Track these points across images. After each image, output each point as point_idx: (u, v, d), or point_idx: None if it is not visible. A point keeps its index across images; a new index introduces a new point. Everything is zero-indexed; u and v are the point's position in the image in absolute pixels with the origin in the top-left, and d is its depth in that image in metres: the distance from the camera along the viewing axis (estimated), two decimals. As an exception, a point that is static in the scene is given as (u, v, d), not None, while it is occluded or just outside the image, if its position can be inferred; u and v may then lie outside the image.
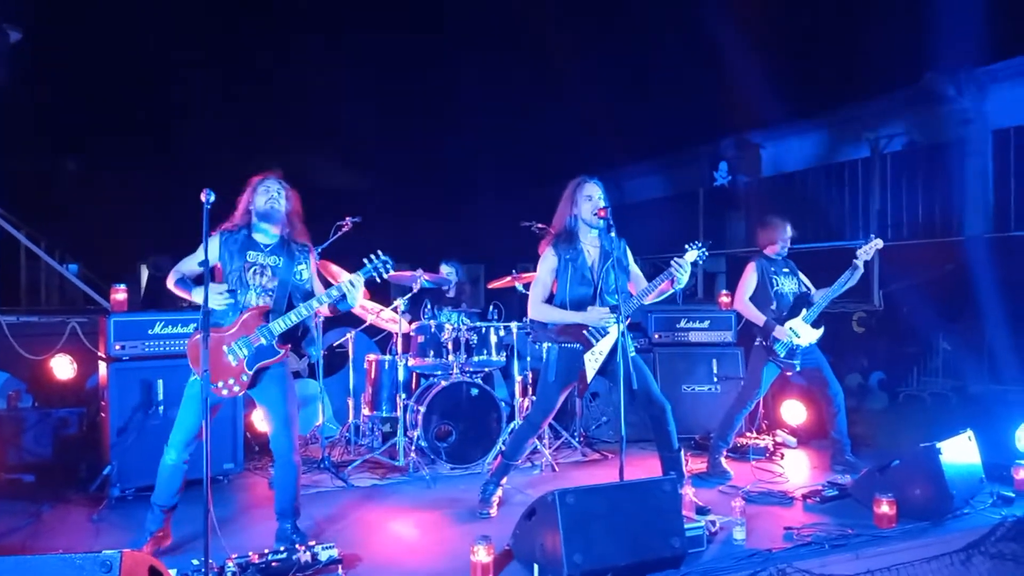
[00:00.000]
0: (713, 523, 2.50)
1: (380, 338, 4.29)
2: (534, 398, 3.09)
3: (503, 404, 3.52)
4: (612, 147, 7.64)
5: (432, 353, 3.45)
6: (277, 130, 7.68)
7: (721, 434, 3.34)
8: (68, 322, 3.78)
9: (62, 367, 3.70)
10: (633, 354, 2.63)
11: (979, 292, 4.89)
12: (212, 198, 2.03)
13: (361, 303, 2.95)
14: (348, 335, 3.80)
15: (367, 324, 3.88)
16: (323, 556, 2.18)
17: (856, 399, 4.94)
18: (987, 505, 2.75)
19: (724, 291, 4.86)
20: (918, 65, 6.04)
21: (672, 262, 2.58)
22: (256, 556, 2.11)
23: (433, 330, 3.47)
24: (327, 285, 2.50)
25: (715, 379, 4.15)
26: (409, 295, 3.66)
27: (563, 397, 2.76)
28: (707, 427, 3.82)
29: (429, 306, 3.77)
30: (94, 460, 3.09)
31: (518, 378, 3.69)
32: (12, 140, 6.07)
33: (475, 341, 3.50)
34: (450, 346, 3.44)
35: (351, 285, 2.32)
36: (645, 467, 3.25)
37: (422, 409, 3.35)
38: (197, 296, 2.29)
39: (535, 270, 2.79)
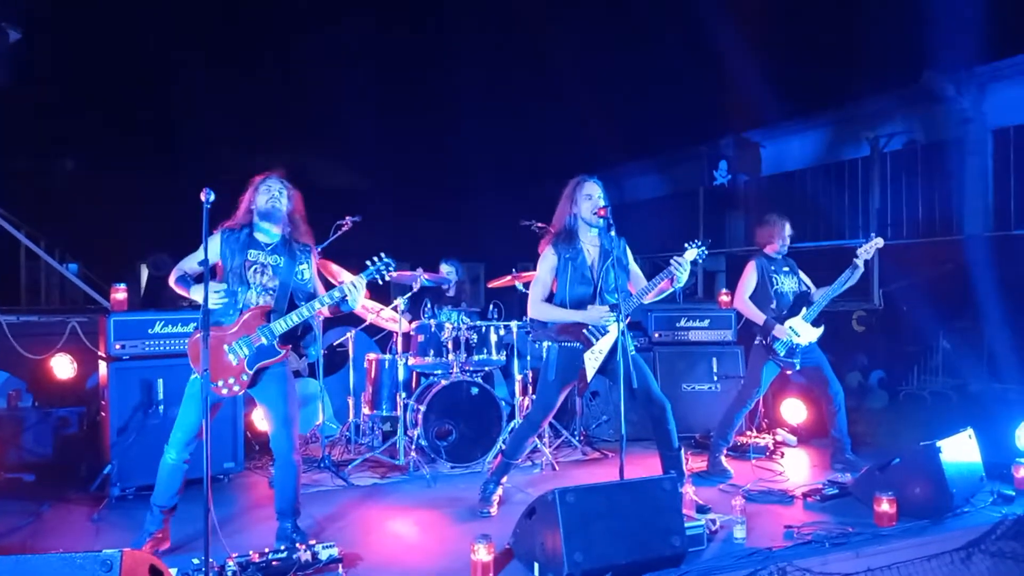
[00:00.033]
0: (713, 522, 2.50)
1: (380, 337, 4.30)
2: (534, 397, 3.09)
3: (503, 403, 3.52)
4: (612, 146, 7.64)
5: (432, 352, 3.45)
6: (277, 129, 7.68)
7: (721, 433, 3.34)
8: (68, 322, 3.78)
9: (62, 366, 3.70)
10: (633, 353, 2.63)
11: (979, 291, 4.89)
12: (212, 197, 2.03)
13: (361, 303, 2.95)
14: (348, 334, 3.80)
15: (367, 323, 3.88)
16: (323, 555, 2.18)
17: (856, 398, 4.93)
18: (987, 503, 2.75)
19: (724, 290, 4.86)
20: (918, 64, 6.05)
21: (672, 261, 2.58)
22: (256, 555, 2.11)
23: (433, 329, 3.47)
24: (326, 284, 2.50)
25: (715, 378, 4.15)
26: (409, 294, 3.66)
27: (563, 396, 2.76)
28: (707, 426, 3.82)
29: (429, 305, 3.77)
30: (94, 459, 3.10)
31: (518, 377, 3.69)
32: (12, 139, 6.08)
33: (475, 340, 3.50)
34: (450, 345, 3.44)
35: (353, 287, 2.32)
36: (645, 466, 3.25)
37: (422, 408, 3.35)
38: (195, 294, 2.29)
39: (535, 269, 2.79)
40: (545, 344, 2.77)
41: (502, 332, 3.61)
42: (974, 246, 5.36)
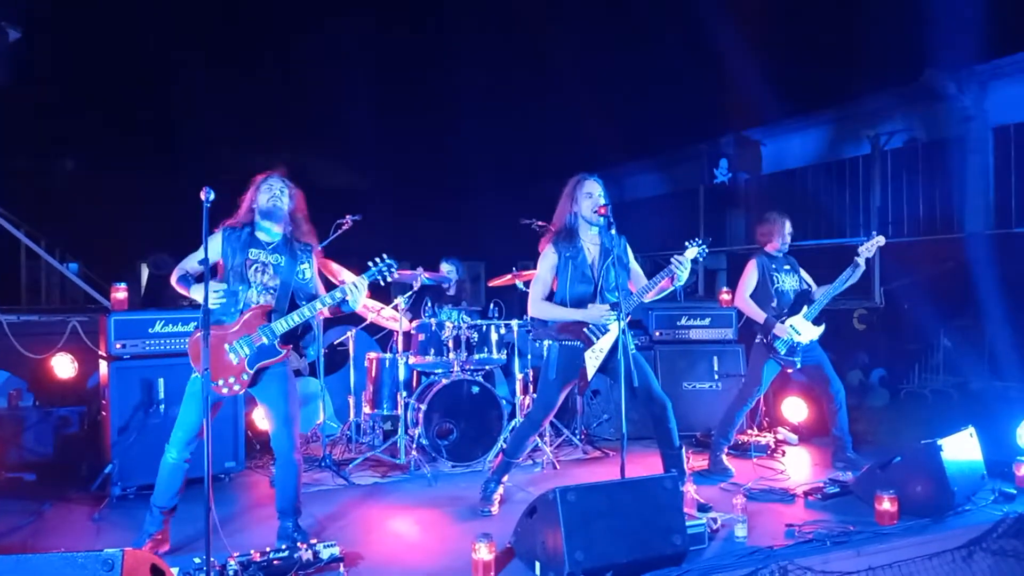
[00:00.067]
0: (714, 520, 2.49)
1: (381, 336, 4.30)
2: (535, 396, 3.09)
3: (504, 402, 3.52)
4: (612, 145, 7.62)
5: (433, 351, 3.45)
6: (277, 129, 7.68)
7: (722, 431, 3.34)
8: (69, 321, 3.78)
9: (63, 366, 3.70)
10: (634, 351, 2.63)
11: (980, 289, 4.89)
12: (212, 196, 2.03)
13: (362, 302, 2.95)
14: (349, 333, 3.80)
15: (368, 322, 3.88)
16: (324, 554, 2.18)
17: (857, 396, 4.93)
18: (988, 502, 2.74)
19: (725, 288, 4.85)
20: (918, 62, 6.03)
21: (672, 259, 2.58)
22: (258, 554, 2.11)
23: (434, 328, 3.47)
24: (327, 283, 2.50)
25: (716, 376, 4.15)
26: (410, 293, 3.66)
27: (564, 395, 2.76)
28: (708, 424, 3.81)
29: (430, 304, 3.77)
30: (95, 459, 3.10)
31: (519, 376, 3.69)
32: (12, 139, 6.08)
33: (476, 339, 3.50)
34: (451, 344, 3.44)
35: (354, 287, 2.32)
36: (646, 465, 3.25)
37: (423, 407, 3.35)
38: (196, 293, 2.29)
39: (535, 268, 2.79)
40: (546, 343, 2.76)
41: (503, 331, 3.61)
42: (975, 244, 5.35)
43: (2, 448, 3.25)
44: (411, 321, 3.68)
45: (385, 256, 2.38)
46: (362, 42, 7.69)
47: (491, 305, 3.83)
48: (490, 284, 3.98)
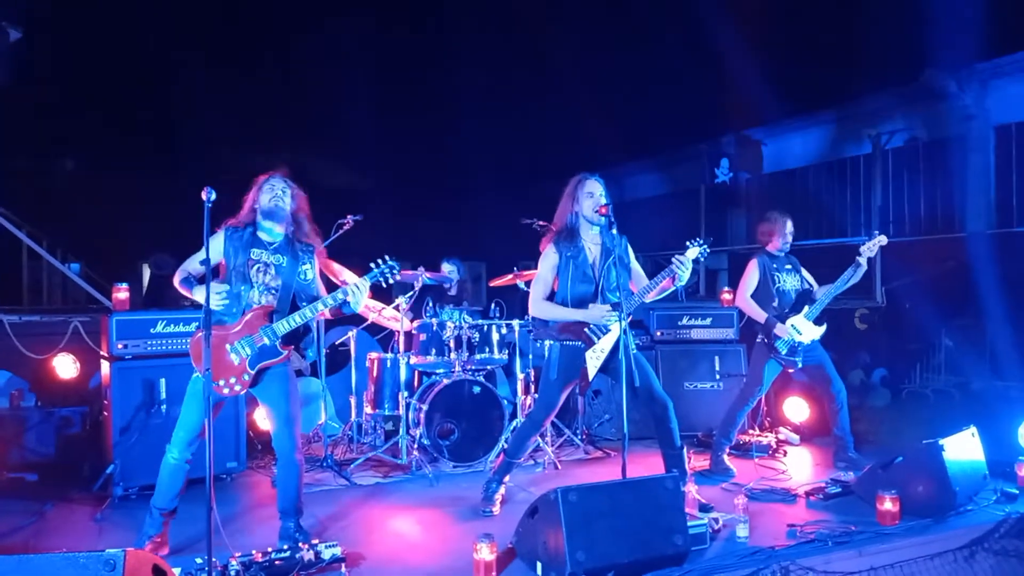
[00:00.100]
0: (716, 520, 2.49)
1: (382, 336, 4.30)
2: (536, 396, 3.09)
3: (505, 402, 3.52)
4: (612, 145, 7.62)
5: (434, 351, 3.45)
6: (277, 129, 7.68)
7: (724, 431, 3.33)
8: (70, 321, 3.78)
9: (65, 366, 3.70)
10: (635, 351, 2.62)
11: (981, 288, 4.88)
12: (213, 196, 2.03)
13: (364, 303, 2.95)
14: (350, 333, 3.80)
15: (369, 322, 3.88)
16: (326, 554, 2.18)
17: (859, 396, 4.93)
18: (990, 502, 2.74)
19: (726, 288, 4.85)
20: (919, 61, 6.03)
21: (673, 259, 2.58)
22: (259, 554, 2.11)
23: (435, 328, 3.47)
24: (328, 283, 2.50)
25: (717, 376, 4.15)
26: (411, 293, 3.66)
27: (565, 395, 2.76)
28: (709, 424, 3.81)
29: (431, 304, 3.77)
30: (97, 459, 3.10)
31: (520, 376, 3.69)
32: (13, 139, 6.08)
33: (477, 339, 3.50)
34: (452, 344, 3.44)
35: (356, 289, 2.32)
36: (647, 465, 3.24)
37: (424, 407, 3.35)
38: (198, 295, 2.29)
39: (536, 268, 2.79)
40: (547, 343, 2.76)
41: (504, 331, 3.61)
42: (976, 243, 5.35)
43: (4, 448, 3.25)
44: (412, 321, 3.68)
45: (388, 258, 2.38)
46: (362, 42, 7.69)
47: (492, 305, 3.83)
48: (491, 284, 3.98)
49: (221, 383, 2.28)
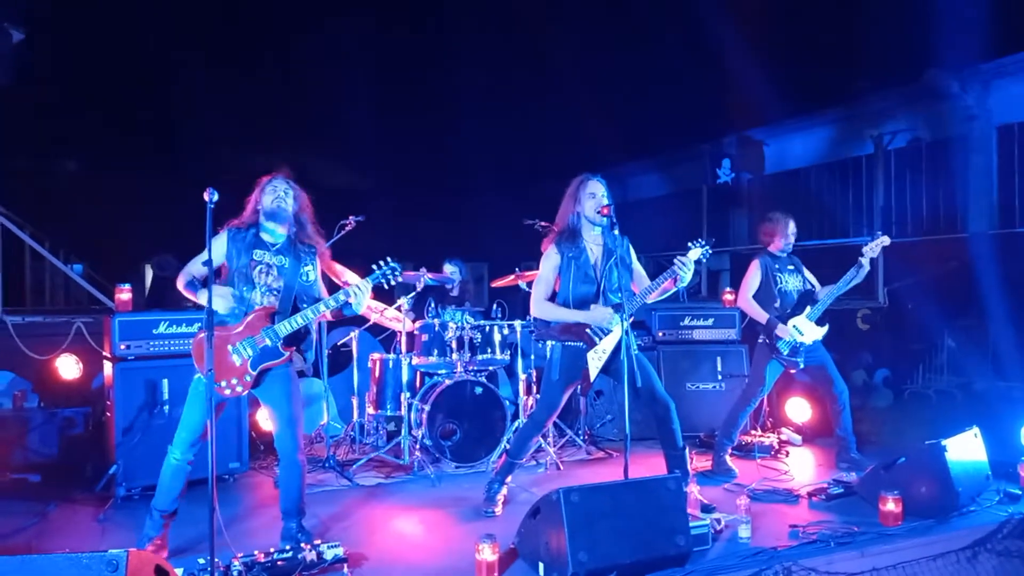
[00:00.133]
0: (718, 521, 2.49)
1: (384, 337, 4.30)
2: (538, 396, 3.09)
3: (507, 403, 3.52)
4: (613, 145, 7.61)
5: (436, 352, 3.45)
6: (277, 129, 7.68)
7: (726, 432, 3.33)
8: (73, 322, 3.79)
9: (67, 367, 3.71)
10: (637, 352, 2.62)
11: (984, 289, 4.87)
12: (216, 197, 2.03)
13: (366, 303, 2.95)
14: (352, 334, 3.80)
15: (371, 323, 3.88)
16: (328, 555, 2.18)
17: (861, 396, 4.92)
18: (993, 502, 2.74)
19: (728, 289, 4.85)
20: (921, 61, 6.01)
21: (675, 260, 2.58)
22: (262, 555, 2.11)
23: (437, 329, 3.47)
24: (330, 284, 2.50)
25: (719, 377, 4.15)
26: (413, 294, 3.66)
27: (567, 395, 2.76)
28: (711, 425, 3.81)
29: (433, 305, 3.77)
30: (100, 460, 3.10)
31: (522, 376, 3.69)
32: (14, 140, 6.09)
33: (479, 340, 3.50)
34: (454, 345, 3.44)
35: (358, 290, 2.32)
36: (650, 465, 3.24)
37: (426, 408, 3.35)
38: (204, 299, 2.29)
39: (538, 268, 2.79)
40: (549, 343, 2.76)
41: (506, 331, 3.61)
42: (979, 244, 5.33)
43: (7, 449, 3.26)
44: (414, 322, 3.68)
45: (389, 259, 2.38)
46: (362, 42, 7.68)
47: (494, 306, 3.84)
48: (493, 285, 3.98)
49: (223, 384, 2.28)
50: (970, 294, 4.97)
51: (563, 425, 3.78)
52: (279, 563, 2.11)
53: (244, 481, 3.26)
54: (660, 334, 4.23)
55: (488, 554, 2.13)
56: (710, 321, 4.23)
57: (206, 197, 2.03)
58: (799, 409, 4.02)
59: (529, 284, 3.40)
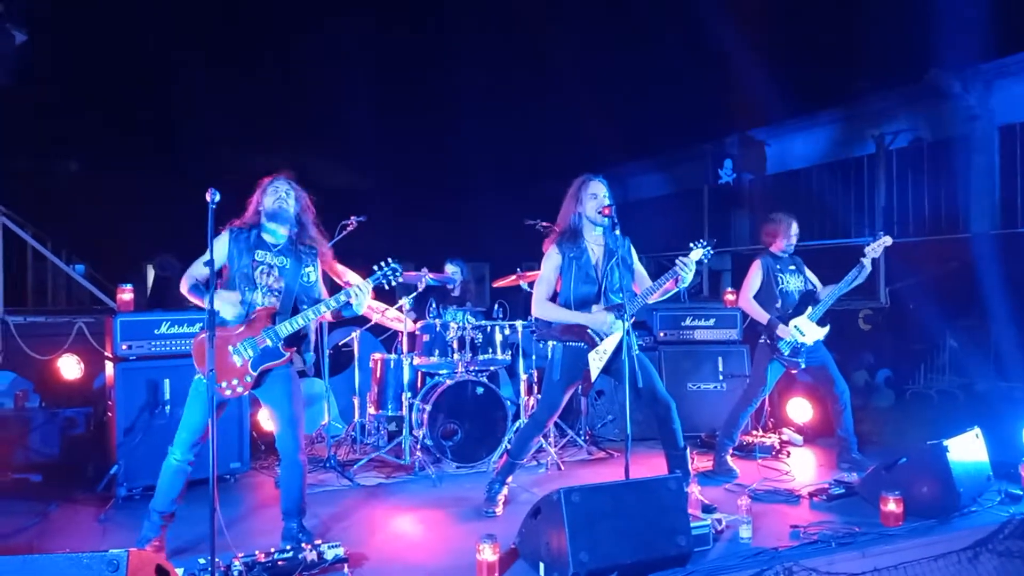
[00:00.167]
0: (719, 521, 2.49)
1: (385, 337, 4.30)
2: (539, 397, 3.09)
3: (508, 403, 3.52)
4: (615, 145, 7.61)
5: (437, 352, 3.45)
6: (277, 129, 7.68)
7: (727, 432, 3.33)
8: (75, 322, 3.79)
9: (69, 367, 3.72)
10: (638, 352, 2.62)
11: (986, 289, 4.87)
12: (217, 198, 2.03)
13: (367, 303, 2.96)
14: (353, 334, 3.80)
15: (372, 323, 3.89)
16: (329, 555, 2.18)
17: (863, 396, 4.92)
18: (995, 503, 2.74)
19: (729, 289, 4.84)
20: (923, 61, 6.01)
21: (677, 261, 2.57)
22: (262, 555, 2.11)
23: (438, 329, 3.47)
24: (331, 284, 2.50)
25: (720, 377, 4.14)
26: (414, 294, 3.66)
27: (568, 396, 2.76)
28: (713, 425, 3.81)
29: (434, 305, 3.77)
30: (101, 460, 3.10)
31: (523, 377, 3.69)
32: (16, 140, 6.09)
33: (480, 340, 3.50)
34: (455, 345, 3.44)
35: (359, 291, 2.32)
36: (651, 465, 3.24)
37: (427, 408, 3.35)
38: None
39: (540, 268, 2.79)
40: (550, 344, 2.76)
41: (507, 331, 3.61)
42: (981, 244, 5.33)
43: (9, 449, 3.26)
44: (416, 322, 3.68)
45: (390, 260, 2.38)
46: (362, 42, 7.68)
47: (495, 306, 3.84)
48: (494, 285, 3.98)
49: (223, 385, 2.28)
50: (972, 294, 4.96)
51: (564, 425, 3.78)
52: (280, 563, 2.11)
53: (245, 481, 3.26)
54: (661, 334, 4.23)
55: (489, 554, 2.13)
56: (711, 321, 4.23)
57: (208, 197, 2.03)
58: (800, 409, 4.01)
59: (530, 284, 3.40)
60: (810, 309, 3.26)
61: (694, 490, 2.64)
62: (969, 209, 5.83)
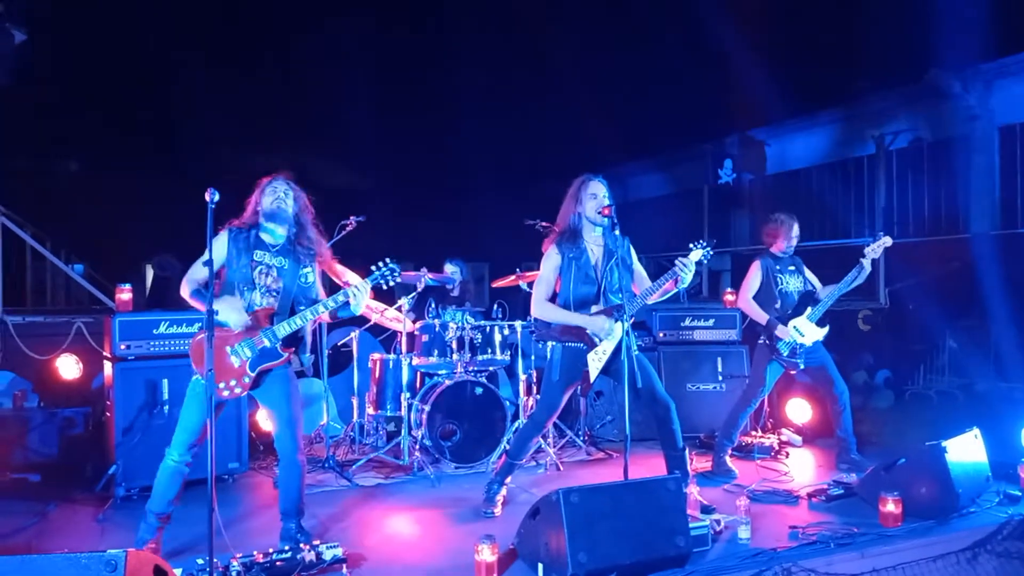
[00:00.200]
0: (718, 522, 2.49)
1: (384, 337, 4.30)
2: (538, 397, 3.08)
3: (507, 403, 3.52)
4: (615, 145, 7.61)
5: (436, 352, 3.45)
6: (277, 129, 7.68)
7: (726, 433, 3.33)
8: (74, 322, 3.79)
9: (68, 367, 3.71)
10: (637, 353, 2.62)
11: (985, 289, 4.86)
12: (217, 198, 2.03)
13: (366, 303, 2.96)
14: (352, 334, 3.80)
15: (372, 323, 3.89)
16: (327, 555, 2.18)
17: (862, 397, 4.91)
18: (993, 504, 2.74)
19: (729, 289, 4.84)
20: (923, 61, 6.00)
21: (676, 262, 2.57)
22: (261, 555, 2.11)
23: (437, 329, 3.47)
24: (330, 284, 2.50)
25: (720, 377, 4.14)
26: (413, 294, 3.66)
27: (567, 396, 2.76)
28: (712, 426, 3.81)
29: (433, 305, 3.77)
30: (99, 460, 3.10)
31: (522, 377, 3.69)
32: (15, 140, 6.09)
33: (479, 340, 3.50)
34: (454, 345, 3.44)
35: (357, 291, 2.32)
36: (650, 466, 3.24)
37: (426, 408, 3.35)
38: (216, 306, 2.26)
39: (539, 269, 2.79)
40: (549, 344, 2.76)
41: (506, 332, 3.61)
42: (981, 244, 5.32)
43: (7, 449, 3.26)
44: (415, 322, 3.68)
45: (388, 260, 2.38)
46: (362, 42, 7.68)
47: (495, 306, 3.84)
48: (494, 285, 3.98)
49: (221, 385, 2.28)
50: (972, 295, 4.96)
51: (563, 426, 3.78)
52: (278, 563, 2.11)
53: (243, 481, 3.26)
54: (661, 335, 4.23)
55: (487, 555, 2.13)
56: (711, 322, 4.23)
57: (207, 197, 2.02)
58: (799, 410, 4.01)
59: (530, 284, 3.39)
60: (809, 310, 3.26)
61: (693, 491, 2.64)
62: (969, 209, 5.83)
